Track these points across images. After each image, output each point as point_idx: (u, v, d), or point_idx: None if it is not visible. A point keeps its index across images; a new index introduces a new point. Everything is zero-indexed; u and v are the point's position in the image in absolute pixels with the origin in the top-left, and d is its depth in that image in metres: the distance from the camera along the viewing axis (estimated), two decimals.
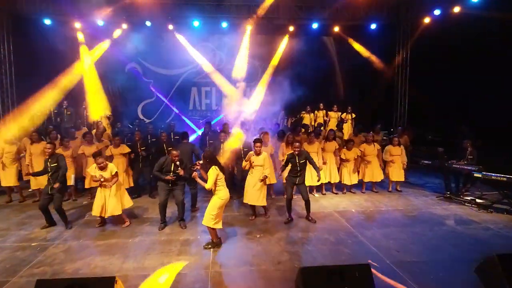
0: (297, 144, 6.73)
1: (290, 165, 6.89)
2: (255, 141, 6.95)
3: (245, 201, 7.05)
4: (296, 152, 6.70)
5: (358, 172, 9.04)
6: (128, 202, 6.89)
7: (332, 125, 12.99)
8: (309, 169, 7.92)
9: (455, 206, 7.91)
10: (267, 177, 6.91)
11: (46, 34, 11.56)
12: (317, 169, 6.90)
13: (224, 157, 8.46)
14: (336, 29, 14.08)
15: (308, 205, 6.89)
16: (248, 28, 13.59)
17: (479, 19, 9.92)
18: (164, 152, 8.38)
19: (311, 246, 5.79)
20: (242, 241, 6.04)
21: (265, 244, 5.87)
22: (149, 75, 14.18)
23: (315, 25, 13.64)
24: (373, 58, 14.33)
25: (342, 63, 14.98)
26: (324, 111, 13.29)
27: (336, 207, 7.88)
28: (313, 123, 12.98)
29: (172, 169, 6.47)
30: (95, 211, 6.58)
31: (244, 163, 7.02)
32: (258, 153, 6.85)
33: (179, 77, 14.36)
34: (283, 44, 14.31)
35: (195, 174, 5.68)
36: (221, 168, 5.63)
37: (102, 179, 6.41)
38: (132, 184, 8.46)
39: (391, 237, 6.09)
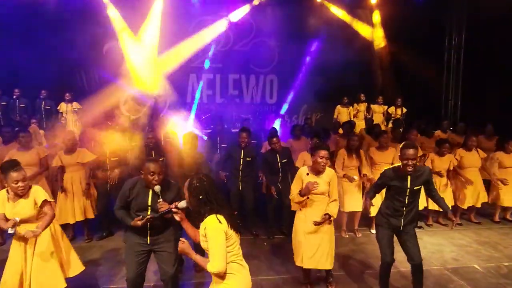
0: (411, 153, 3.31)
1: (384, 192, 3.72)
2: (316, 147, 3.69)
3: (302, 264, 3.75)
4: (410, 169, 3.38)
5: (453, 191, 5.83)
6: (76, 267, 3.62)
7: (377, 122, 9.84)
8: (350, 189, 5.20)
9: None
10: (330, 217, 3.66)
11: None
12: (446, 208, 3.65)
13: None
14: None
15: (420, 273, 3.61)
16: None
17: None
18: None
19: None
20: None
21: None
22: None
23: None
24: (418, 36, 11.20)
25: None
26: (366, 103, 10.10)
27: (441, 259, 4.66)
28: (352, 119, 9.79)
29: (149, 204, 3.09)
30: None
31: (295, 196, 3.66)
32: (320, 171, 3.64)
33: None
34: (307, 18, 11.12)
35: (182, 247, 2.38)
36: (233, 220, 2.36)
37: (14, 224, 3.13)
38: (93, 216, 5.19)
39: None
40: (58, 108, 8.85)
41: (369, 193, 3.81)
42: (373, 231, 5.58)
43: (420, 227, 5.76)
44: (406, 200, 3.49)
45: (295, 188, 3.71)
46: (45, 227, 3.24)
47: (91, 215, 5.15)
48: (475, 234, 5.50)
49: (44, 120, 8.71)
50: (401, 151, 3.45)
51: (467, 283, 4.02)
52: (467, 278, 4.14)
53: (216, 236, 2.24)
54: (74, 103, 9.00)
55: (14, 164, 3.23)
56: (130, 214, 3.10)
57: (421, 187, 3.54)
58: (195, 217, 2.40)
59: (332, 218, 3.67)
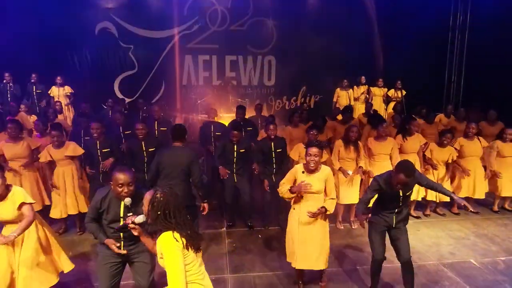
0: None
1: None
2: (310, 144, 3.52)
3: (297, 266, 3.63)
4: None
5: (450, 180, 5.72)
6: (66, 264, 3.55)
7: (377, 105, 9.65)
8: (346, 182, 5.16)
9: None
10: (326, 211, 3.50)
11: None
12: (450, 193, 3.58)
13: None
14: None
15: (410, 271, 3.55)
16: None
17: None
18: (143, 159, 5.02)
19: None
20: None
21: None
22: (127, 39, 10.44)
23: None
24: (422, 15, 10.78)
25: (382, 24, 11.28)
26: (366, 86, 9.86)
27: (438, 253, 4.59)
28: (352, 103, 9.57)
29: (121, 215, 2.85)
30: None
31: (285, 192, 3.55)
32: (313, 169, 3.50)
33: (168, 41, 10.66)
34: None
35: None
36: (193, 239, 2.21)
37: None
38: (86, 209, 5.04)
39: None
40: (49, 92, 8.62)
41: (360, 208, 3.54)
42: None
43: (417, 217, 5.70)
44: (400, 203, 3.45)
45: (286, 183, 3.57)
46: (21, 232, 3.04)
47: (84, 209, 5.02)
48: (473, 225, 5.42)
49: (36, 105, 8.55)
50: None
51: (463, 280, 3.96)
52: (463, 274, 4.08)
53: (172, 254, 2.11)
54: (66, 87, 8.77)
55: None
56: (102, 229, 2.91)
57: (412, 191, 3.47)
58: (151, 231, 2.29)
59: (327, 213, 3.52)
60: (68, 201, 4.92)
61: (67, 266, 3.56)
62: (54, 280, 3.40)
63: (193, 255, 2.19)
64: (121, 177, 2.70)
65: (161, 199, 2.19)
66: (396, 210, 3.48)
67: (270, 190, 5.03)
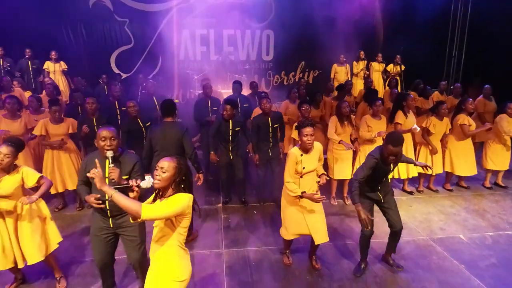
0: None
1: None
2: (300, 125, 3.52)
3: (316, 241, 3.67)
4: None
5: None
6: (56, 238, 3.63)
7: (376, 80, 9.59)
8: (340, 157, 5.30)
9: None
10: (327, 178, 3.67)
11: None
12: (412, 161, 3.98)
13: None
14: None
15: (397, 238, 3.74)
16: None
17: None
18: (142, 135, 5.08)
19: None
20: None
21: None
22: (123, 13, 10.22)
23: None
24: None
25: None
26: (365, 61, 9.73)
27: (428, 229, 4.70)
28: (349, 79, 9.48)
29: (107, 175, 2.82)
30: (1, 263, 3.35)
31: (297, 192, 3.45)
32: (309, 149, 3.54)
33: (164, 15, 10.46)
34: None
35: (98, 176, 2.23)
36: (194, 206, 2.39)
37: None
38: None
39: None
40: (46, 67, 8.51)
41: (355, 194, 3.33)
42: None
43: (411, 192, 5.79)
44: (384, 179, 3.57)
45: (293, 179, 3.50)
46: (42, 194, 3.23)
47: None
48: (465, 201, 5.52)
49: (32, 81, 8.49)
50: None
51: (451, 255, 4.08)
52: (451, 249, 4.19)
53: (179, 203, 2.22)
54: (62, 63, 8.67)
55: (9, 140, 3.28)
56: (89, 191, 2.98)
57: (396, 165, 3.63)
58: (161, 194, 2.34)
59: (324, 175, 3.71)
60: (66, 177, 4.99)
61: (55, 239, 3.60)
62: (39, 257, 3.40)
63: (188, 221, 2.33)
64: (104, 132, 2.86)
65: (184, 165, 2.35)
66: (379, 187, 3.59)
67: (266, 165, 5.10)
